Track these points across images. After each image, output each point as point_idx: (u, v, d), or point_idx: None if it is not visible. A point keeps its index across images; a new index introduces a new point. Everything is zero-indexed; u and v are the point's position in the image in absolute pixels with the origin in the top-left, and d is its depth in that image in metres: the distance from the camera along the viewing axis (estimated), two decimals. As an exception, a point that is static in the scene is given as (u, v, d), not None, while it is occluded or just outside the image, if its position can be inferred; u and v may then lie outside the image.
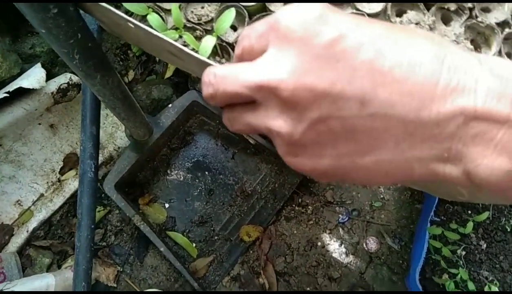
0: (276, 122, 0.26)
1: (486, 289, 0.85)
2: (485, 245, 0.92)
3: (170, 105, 0.99)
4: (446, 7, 0.47)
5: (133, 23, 0.42)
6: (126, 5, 0.47)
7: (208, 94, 0.29)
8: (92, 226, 0.76)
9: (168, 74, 1.17)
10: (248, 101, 0.27)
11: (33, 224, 1.04)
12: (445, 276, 0.90)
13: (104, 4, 0.41)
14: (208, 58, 0.48)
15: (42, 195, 1.05)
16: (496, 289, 0.86)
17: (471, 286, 0.85)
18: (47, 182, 1.06)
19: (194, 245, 1.05)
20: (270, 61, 0.25)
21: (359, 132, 0.24)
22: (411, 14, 0.47)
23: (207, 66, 0.41)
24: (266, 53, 0.26)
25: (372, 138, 0.24)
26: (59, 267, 1.05)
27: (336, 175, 0.27)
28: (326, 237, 1.09)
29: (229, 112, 0.30)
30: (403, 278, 1.04)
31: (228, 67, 0.28)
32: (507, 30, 0.46)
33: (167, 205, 1.07)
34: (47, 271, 1.03)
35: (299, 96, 0.24)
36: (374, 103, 0.23)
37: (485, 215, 0.90)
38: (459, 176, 0.24)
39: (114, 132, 1.11)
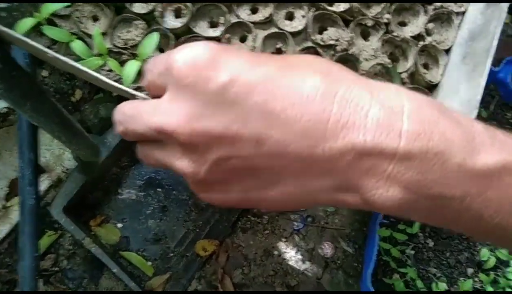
0: (180, 163, 0.27)
1: (433, 285, 0.88)
2: (432, 243, 0.96)
3: (117, 124, 0.98)
4: (364, 23, 0.49)
5: (50, 54, 0.42)
6: (49, 33, 0.47)
7: (120, 132, 0.30)
8: (36, 254, 0.74)
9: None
10: (157, 139, 0.28)
11: (-22, 254, 1.00)
12: (396, 276, 0.93)
13: (19, 36, 0.41)
14: (135, 81, 0.49)
15: (-14, 223, 1.01)
16: (444, 285, 0.90)
17: (420, 284, 0.88)
18: (-8, 210, 1.02)
19: (149, 263, 1.04)
20: (167, 105, 0.26)
21: (259, 170, 0.26)
22: (331, 31, 0.49)
23: (125, 92, 0.41)
24: (165, 96, 0.26)
25: (273, 174, 0.26)
26: (9, 297, 1.01)
27: (248, 205, 0.29)
28: (282, 246, 1.10)
29: (141, 148, 0.31)
30: (358, 281, 1.06)
31: (136, 106, 0.29)
32: (421, 43, 0.49)
33: (120, 225, 1.05)
34: (-5, 303, 0.99)
35: (196, 140, 0.25)
36: (269, 144, 0.24)
37: (429, 214, 0.94)
38: (359, 203, 0.25)
39: (62, 154, 1.08)
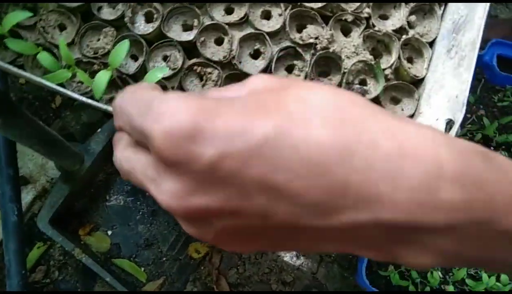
0: (187, 228, 0.24)
1: (428, 275, 0.88)
2: (425, 232, 0.95)
3: (99, 129, 0.96)
4: (344, 18, 0.47)
5: (13, 71, 0.40)
6: (12, 46, 0.44)
7: (126, 180, 0.28)
8: (23, 271, 0.72)
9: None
10: None
11: (-35, 271, 0.97)
12: (391, 267, 0.92)
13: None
14: (107, 92, 0.46)
15: (-28, 239, 0.99)
16: (439, 273, 0.89)
17: (415, 274, 0.87)
18: (-23, 225, 1.00)
19: (142, 269, 1.02)
20: (155, 175, 0.23)
21: (271, 234, 0.23)
22: (310, 29, 0.47)
23: (97, 107, 0.39)
24: (151, 161, 0.23)
25: (286, 238, 0.23)
26: (0, 313, 0.99)
27: (269, 251, 0.26)
28: (276, 242, 1.09)
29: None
30: (353, 274, 1.05)
31: (130, 162, 0.25)
32: (404, 36, 0.47)
33: (109, 232, 1.03)
34: (-14, 319, 0.97)
35: (196, 216, 0.22)
36: (277, 218, 0.21)
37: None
38: (385, 259, 0.23)
39: (45, 164, 1.06)
